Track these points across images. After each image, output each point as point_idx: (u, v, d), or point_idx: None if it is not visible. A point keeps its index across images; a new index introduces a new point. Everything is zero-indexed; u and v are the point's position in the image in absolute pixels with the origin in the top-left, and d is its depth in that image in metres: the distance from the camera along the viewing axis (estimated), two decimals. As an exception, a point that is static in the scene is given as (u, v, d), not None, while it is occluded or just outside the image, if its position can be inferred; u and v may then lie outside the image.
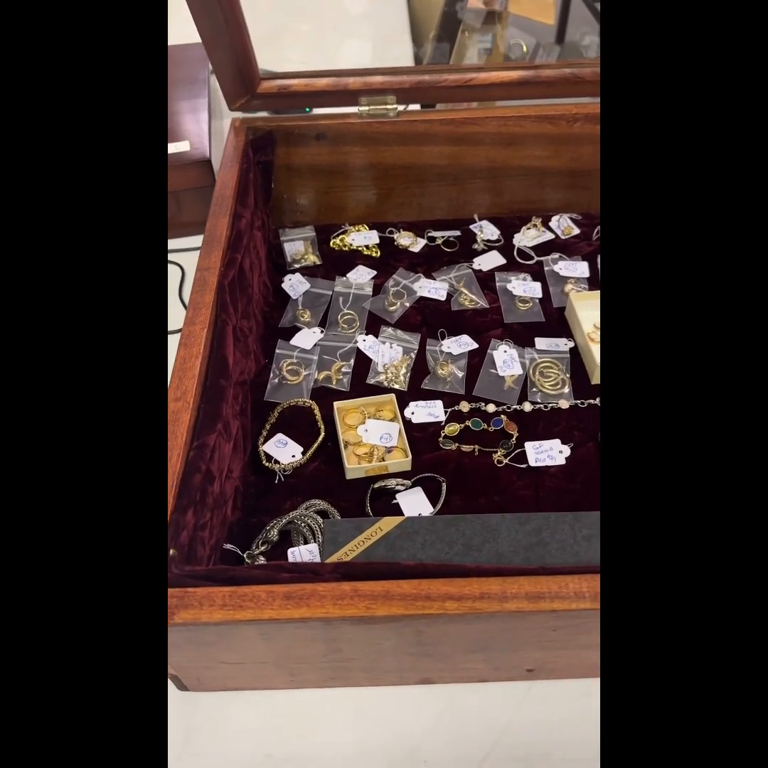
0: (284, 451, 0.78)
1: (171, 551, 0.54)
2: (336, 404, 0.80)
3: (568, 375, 0.84)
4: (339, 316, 0.91)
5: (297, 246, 1.00)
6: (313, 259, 0.99)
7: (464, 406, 0.81)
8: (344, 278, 0.96)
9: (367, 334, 0.89)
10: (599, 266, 0.96)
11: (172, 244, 1.05)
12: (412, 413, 0.81)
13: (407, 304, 0.93)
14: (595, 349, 0.84)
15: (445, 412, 0.81)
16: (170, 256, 1.03)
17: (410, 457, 0.76)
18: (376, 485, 0.74)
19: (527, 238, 1.00)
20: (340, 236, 1.02)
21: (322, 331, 0.89)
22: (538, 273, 0.96)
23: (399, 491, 0.74)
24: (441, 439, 0.79)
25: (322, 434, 0.79)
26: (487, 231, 1.01)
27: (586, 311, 0.87)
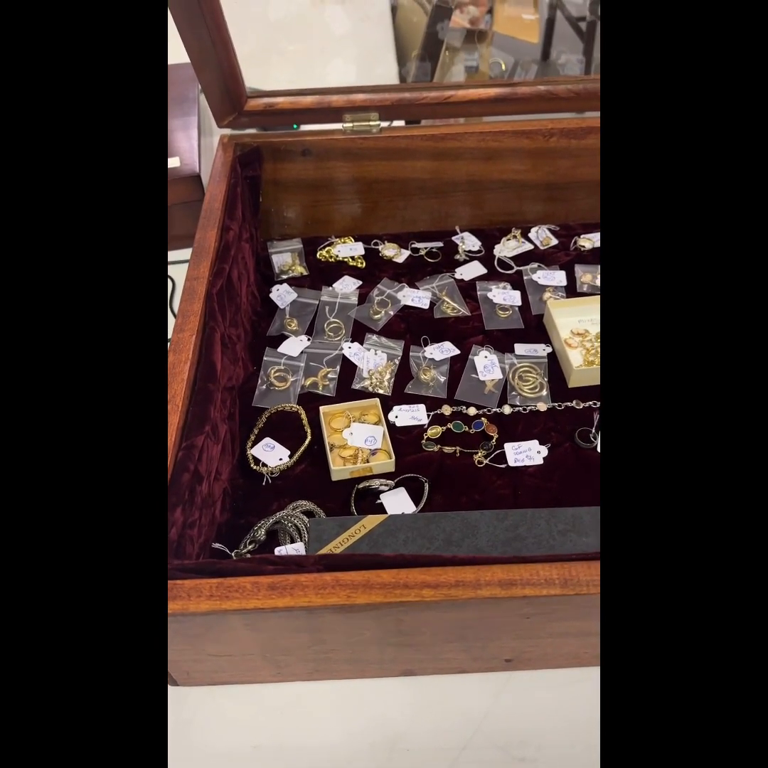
0: (272, 454, 0.80)
1: (160, 546, 0.56)
2: (322, 409, 0.82)
3: (545, 379, 0.87)
4: (325, 325, 0.94)
5: (284, 257, 1.03)
6: (300, 270, 1.02)
7: (446, 410, 0.84)
8: (330, 288, 0.99)
9: (352, 341, 0.92)
10: (577, 275, 0.99)
11: (163, 256, 1.08)
12: (396, 417, 0.83)
13: (391, 313, 0.96)
14: (572, 355, 0.87)
15: (428, 415, 0.84)
16: (161, 269, 1.06)
17: (394, 458, 0.78)
18: (361, 486, 0.77)
19: (507, 248, 1.03)
20: (327, 248, 1.05)
21: (308, 339, 0.92)
22: (517, 282, 0.99)
23: (383, 491, 0.77)
24: (424, 441, 0.81)
25: (309, 438, 0.81)
26: (468, 242, 1.04)
27: (563, 318, 0.90)
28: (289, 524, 0.73)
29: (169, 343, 0.70)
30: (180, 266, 1.06)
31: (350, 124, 0.95)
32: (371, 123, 0.95)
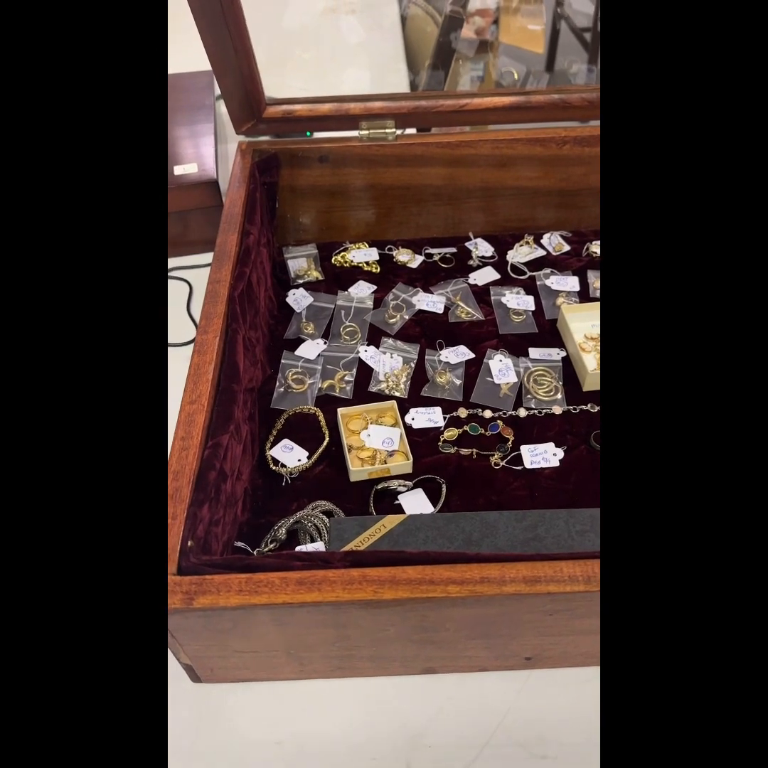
0: (290, 455, 0.81)
1: (189, 542, 0.57)
2: (340, 411, 0.83)
3: (560, 382, 0.88)
4: (341, 328, 0.95)
5: (300, 263, 1.04)
6: (315, 274, 1.03)
7: (462, 412, 0.85)
8: (346, 293, 1.00)
9: (368, 344, 0.93)
10: (590, 281, 1.00)
11: (181, 261, 1.09)
12: (413, 419, 0.84)
13: (406, 317, 0.97)
14: (586, 358, 0.88)
15: (444, 418, 0.85)
16: (179, 273, 1.07)
17: (411, 459, 0.79)
18: (379, 487, 0.78)
19: (520, 254, 1.04)
20: (342, 253, 1.06)
21: (325, 342, 0.93)
22: (530, 287, 1.00)
23: (401, 492, 0.78)
24: (440, 443, 0.82)
25: (327, 439, 0.82)
26: (481, 248, 1.06)
27: (577, 322, 0.91)
28: (309, 524, 0.74)
29: (192, 346, 0.71)
30: (198, 270, 1.07)
31: (366, 132, 0.96)
32: (387, 130, 0.96)
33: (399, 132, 0.99)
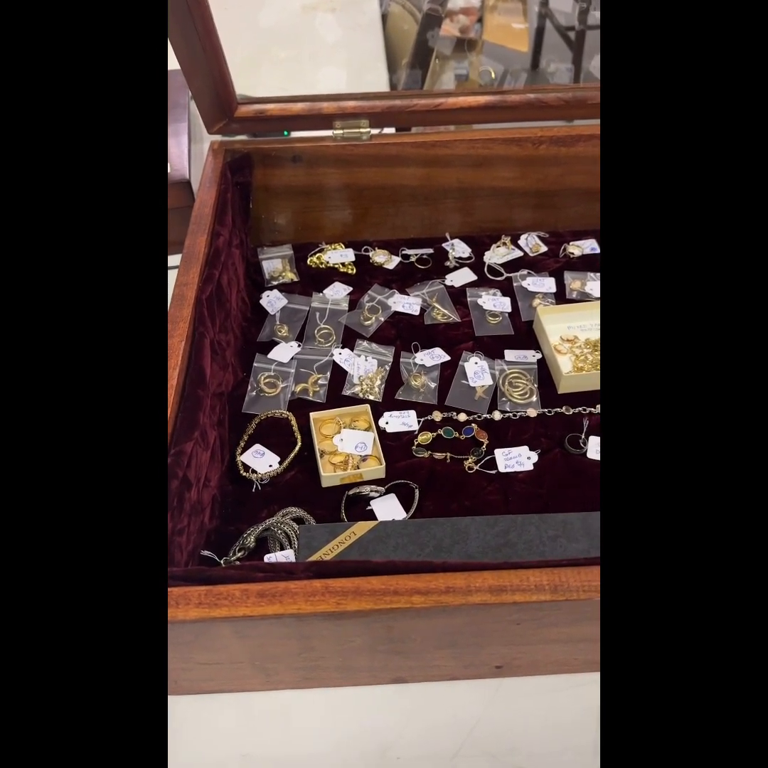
0: (261, 461, 0.80)
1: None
2: (312, 415, 0.82)
3: (535, 385, 0.87)
4: (316, 331, 0.94)
5: (275, 264, 1.03)
6: (290, 276, 1.02)
7: (437, 416, 0.84)
8: (321, 294, 0.99)
9: (342, 347, 0.92)
10: (566, 282, 1.00)
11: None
12: (387, 423, 0.83)
13: (382, 319, 0.96)
14: (562, 361, 0.87)
15: (419, 421, 0.84)
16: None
17: (384, 464, 0.78)
18: (351, 492, 0.76)
19: (497, 255, 1.04)
20: (317, 254, 1.05)
21: (299, 345, 0.92)
22: (507, 288, 0.99)
23: (373, 498, 0.77)
24: (414, 447, 0.81)
25: (299, 444, 0.81)
26: (458, 249, 1.05)
27: (553, 324, 0.91)
28: (279, 531, 0.72)
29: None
30: (169, 272, 1.05)
31: (340, 131, 0.95)
32: (362, 130, 0.95)
33: (376, 131, 0.98)
